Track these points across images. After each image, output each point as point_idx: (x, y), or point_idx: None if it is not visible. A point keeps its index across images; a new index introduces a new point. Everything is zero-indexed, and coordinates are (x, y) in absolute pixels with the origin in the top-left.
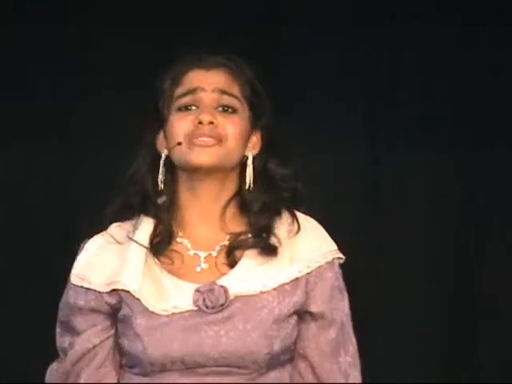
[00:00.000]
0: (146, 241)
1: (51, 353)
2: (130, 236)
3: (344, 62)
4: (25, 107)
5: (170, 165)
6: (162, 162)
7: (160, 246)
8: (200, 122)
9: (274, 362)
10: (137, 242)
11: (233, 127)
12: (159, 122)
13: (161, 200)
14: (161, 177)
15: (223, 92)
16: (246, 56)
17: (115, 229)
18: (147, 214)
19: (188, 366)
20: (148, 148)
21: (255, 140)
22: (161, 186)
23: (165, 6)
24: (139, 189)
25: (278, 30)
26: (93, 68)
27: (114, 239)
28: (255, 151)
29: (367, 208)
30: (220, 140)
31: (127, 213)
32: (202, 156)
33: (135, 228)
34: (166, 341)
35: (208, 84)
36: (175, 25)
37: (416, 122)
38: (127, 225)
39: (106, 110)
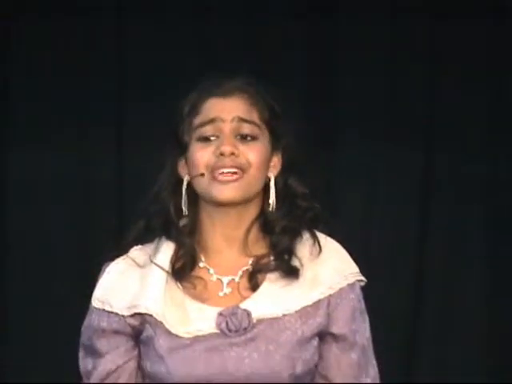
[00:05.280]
0: (167, 264)
1: None
2: (152, 259)
3: None
4: None
5: (192, 190)
6: (184, 187)
7: (183, 271)
8: (221, 154)
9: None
10: (158, 266)
11: (254, 155)
12: (180, 147)
13: (182, 223)
14: (184, 201)
15: (242, 120)
16: None
17: (136, 252)
18: (169, 237)
19: None
20: (170, 171)
21: (276, 160)
22: (185, 210)
23: None
24: (161, 211)
25: None
26: None
27: (135, 263)
28: (276, 171)
29: None
30: (242, 170)
31: (149, 235)
32: (225, 192)
33: (157, 251)
34: (190, 361)
35: (226, 113)
36: None
37: None
38: (148, 248)
39: None
